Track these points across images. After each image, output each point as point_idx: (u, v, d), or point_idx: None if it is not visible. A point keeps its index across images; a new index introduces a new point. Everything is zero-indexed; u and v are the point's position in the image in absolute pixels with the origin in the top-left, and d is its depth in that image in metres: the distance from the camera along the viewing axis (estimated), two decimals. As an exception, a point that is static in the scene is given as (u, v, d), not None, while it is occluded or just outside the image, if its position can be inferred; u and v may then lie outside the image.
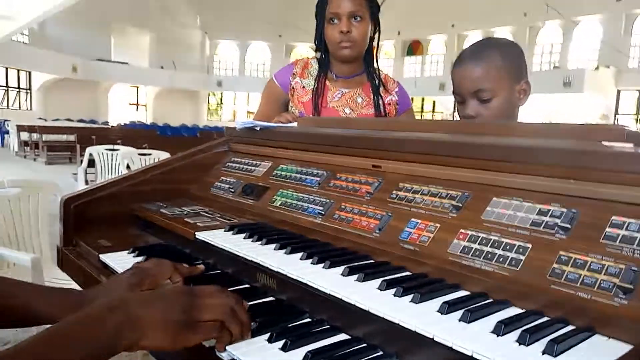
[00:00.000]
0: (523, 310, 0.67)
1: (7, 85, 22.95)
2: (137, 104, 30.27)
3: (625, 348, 0.57)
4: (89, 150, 5.42)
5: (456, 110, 1.45)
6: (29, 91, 23.98)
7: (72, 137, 12.23)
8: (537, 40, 23.36)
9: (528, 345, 0.57)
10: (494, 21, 22.91)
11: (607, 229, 0.68)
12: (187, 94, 30.33)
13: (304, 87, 1.83)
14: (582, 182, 0.75)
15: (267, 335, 0.72)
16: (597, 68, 19.95)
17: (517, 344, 0.58)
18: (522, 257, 0.73)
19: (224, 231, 1.08)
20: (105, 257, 1.11)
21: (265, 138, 1.42)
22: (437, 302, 0.69)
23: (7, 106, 22.68)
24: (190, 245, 1.15)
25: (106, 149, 5.38)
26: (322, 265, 0.85)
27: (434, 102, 26.80)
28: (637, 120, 20.12)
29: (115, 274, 1.02)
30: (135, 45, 28.01)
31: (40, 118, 19.92)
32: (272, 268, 0.86)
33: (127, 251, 1.14)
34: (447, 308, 0.66)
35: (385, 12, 1.85)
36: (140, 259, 1.09)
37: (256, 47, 31.24)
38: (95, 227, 1.31)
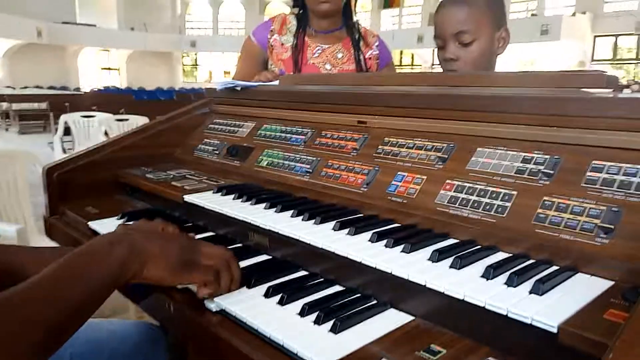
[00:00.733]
0: (510, 255, 0.70)
1: (-31, 54, 21.98)
2: (110, 69, 29.37)
3: (607, 284, 0.61)
4: (63, 117, 5.28)
5: (436, 56, 1.45)
6: (-7, 59, 23.03)
7: (43, 105, 11.87)
8: (514, -12, 23.06)
9: (516, 286, 0.60)
10: (471, -31, 22.42)
11: (588, 173, 0.71)
12: (160, 56, 29.47)
13: (282, 44, 1.80)
14: (563, 129, 0.77)
15: (263, 291, 0.74)
16: (573, 14, 19.88)
17: (506, 286, 0.60)
18: (508, 204, 0.75)
19: (212, 193, 1.08)
20: (95, 224, 1.11)
21: (247, 98, 1.41)
22: (428, 251, 0.71)
23: (-28, 75, 21.83)
24: (179, 208, 1.15)
25: (82, 116, 5.25)
26: (313, 221, 0.86)
27: (412, 55, 26.52)
28: (612, 66, 20.27)
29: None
30: (101, 5, 26.88)
31: (8, 86, 19.22)
32: (264, 227, 0.88)
33: (116, 217, 1.14)
34: (438, 256, 0.68)
35: (361, -37, 1.80)
36: (130, 224, 1.09)
37: (229, 3, 30.25)
38: (81, 195, 1.30)
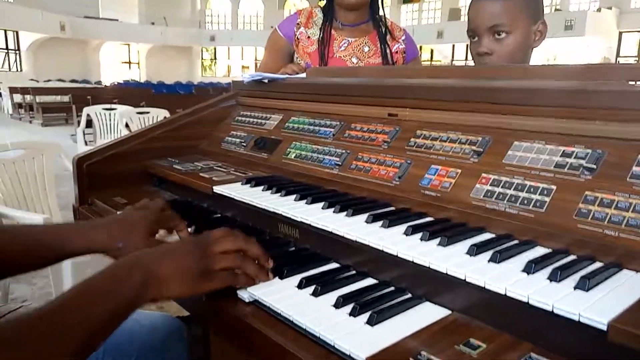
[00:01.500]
0: (550, 250, 0.68)
1: (-5, 46, 22.42)
2: (130, 62, 29.67)
3: (654, 281, 0.59)
4: (86, 110, 5.34)
5: (469, 50, 1.42)
6: (17, 52, 23.43)
7: (66, 98, 12.04)
8: (537, -17, 22.60)
9: (560, 281, 0.58)
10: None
11: (634, 168, 0.69)
12: (179, 51, 29.68)
13: (309, 37, 1.79)
14: (609, 123, 0.74)
15: (296, 282, 0.74)
16: (599, 9, 19.46)
17: (549, 281, 0.59)
18: (547, 199, 0.73)
19: (241, 184, 1.08)
20: (124, 214, 1.11)
21: (275, 90, 1.40)
22: (464, 244, 0.70)
23: (-2, 67, 22.27)
24: (207, 199, 1.15)
25: (103, 109, 5.31)
26: (344, 213, 0.85)
27: (431, 50, 26.28)
28: (638, 62, 19.81)
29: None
30: (123, 0, 27.15)
31: (32, 79, 19.56)
32: (295, 218, 0.87)
33: (145, 207, 1.14)
34: (476, 250, 0.67)
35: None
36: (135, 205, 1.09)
37: (248, -2, 30.34)
38: (109, 185, 1.31)
